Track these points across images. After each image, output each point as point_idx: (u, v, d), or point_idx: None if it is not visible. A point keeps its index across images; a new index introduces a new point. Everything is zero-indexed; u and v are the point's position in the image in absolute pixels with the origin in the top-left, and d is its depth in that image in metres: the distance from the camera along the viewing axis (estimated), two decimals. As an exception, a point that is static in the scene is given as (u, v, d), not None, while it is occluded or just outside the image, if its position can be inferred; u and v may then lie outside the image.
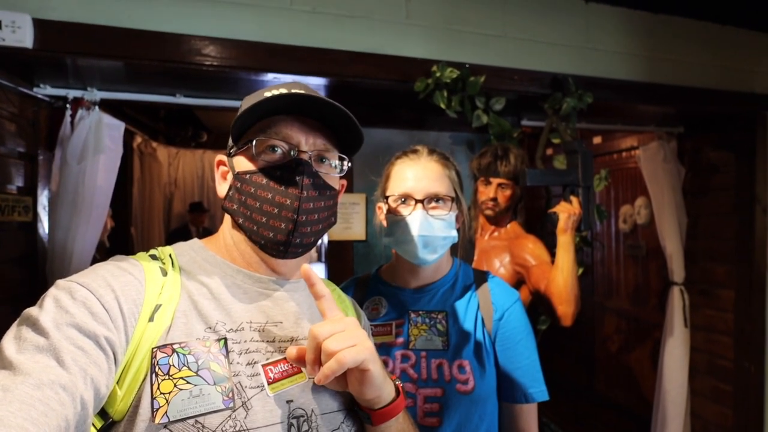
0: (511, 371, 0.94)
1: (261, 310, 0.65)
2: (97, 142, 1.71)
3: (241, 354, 0.60)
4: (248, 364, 0.60)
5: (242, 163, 0.67)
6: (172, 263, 0.63)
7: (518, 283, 1.64)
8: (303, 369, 0.63)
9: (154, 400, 0.53)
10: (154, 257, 0.64)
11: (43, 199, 1.70)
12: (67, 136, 1.70)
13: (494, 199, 1.65)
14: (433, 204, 0.92)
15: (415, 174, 0.92)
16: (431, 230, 0.90)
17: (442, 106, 1.69)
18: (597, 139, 3.16)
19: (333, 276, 1.99)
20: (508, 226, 1.72)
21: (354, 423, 0.66)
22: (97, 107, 1.73)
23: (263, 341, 0.63)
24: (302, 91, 0.66)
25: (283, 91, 0.65)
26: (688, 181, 2.46)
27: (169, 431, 0.52)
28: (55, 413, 0.44)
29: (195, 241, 0.70)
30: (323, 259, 2.51)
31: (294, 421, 0.59)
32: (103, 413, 0.54)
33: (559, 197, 1.62)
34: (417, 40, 1.73)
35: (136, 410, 0.53)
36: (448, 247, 0.96)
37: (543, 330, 1.89)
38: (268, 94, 0.65)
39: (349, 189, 1.98)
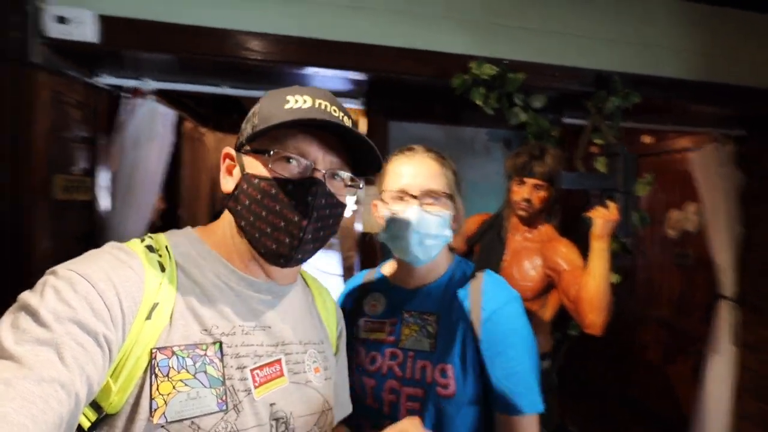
0: (500, 379, 0.86)
1: (252, 314, 0.66)
2: (150, 129, 1.84)
3: (233, 357, 0.61)
4: (238, 368, 0.61)
5: (254, 166, 0.65)
6: (169, 256, 0.63)
7: (548, 286, 1.61)
8: (284, 373, 0.65)
9: (153, 401, 0.54)
10: (150, 248, 0.62)
11: (101, 180, 1.85)
12: (123, 123, 1.83)
13: (528, 200, 1.61)
14: (429, 200, 0.90)
15: (412, 170, 0.91)
16: (426, 227, 0.89)
17: (479, 103, 1.67)
18: (647, 138, 3.00)
19: (366, 267, 2.04)
20: (542, 227, 1.69)
21: (324, 425, 0.70)
22: (151, 96, 1.85)
23: (252, 345, 0.64)
24: (326, 102, 0.66)
25: (307, 99, 0.65)
26: (747, 187, 2.29)
27: (166, 431, 0.54)
28: (53, 411, 0.44)
29: (190, 231, 0.69)
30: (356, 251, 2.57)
31: (274, 423, 0.62)
32: (96, 406, 0.54)
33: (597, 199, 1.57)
34: (455, 34, 1.71)
35: (134, 408, 0.54)
36: (442, 247, 0.94)
37: (574, 335, 1.85)
38: (290, 98, 0.65)
39: (383, 182, 2.01)
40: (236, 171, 0.67)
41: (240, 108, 3.81)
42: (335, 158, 0.67)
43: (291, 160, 0.64)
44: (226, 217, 0.69)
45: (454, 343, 0.89)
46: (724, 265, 2.26)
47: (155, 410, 0.54)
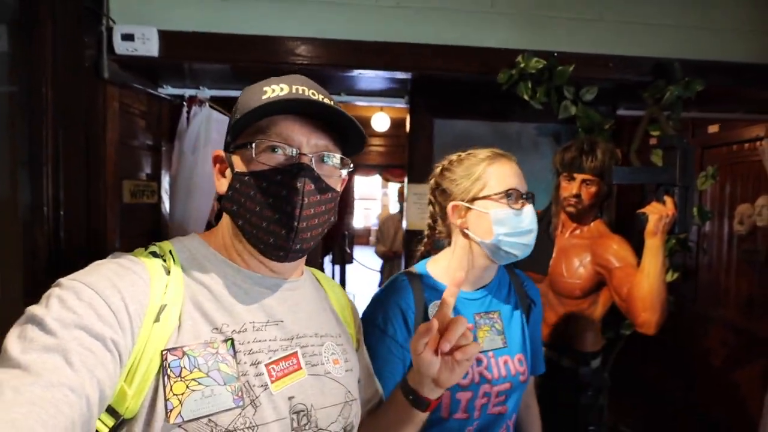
0: (534, 350, 1.06)
1: (262, 309, 0.66)
2: (207, 134, 1.95)
3: (246, 354, 0.61)
4: (253, 364, 0.61)
5: (241, 163, 0.65)
6: (174, 260, 0.63)
7: (599, 284, 1.56)
8: (302, 366, 0.66)
9: (168, 402, 0.54)
10: (155, 254, 0.63)
11: (165, 184, 1.99)
12: (183, 129, 1.96)
13: (577, 196, 1.56)
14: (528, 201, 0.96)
15: (515, 172, 0.95)
16: (536, 225, 0.95)
17: (526, 97, 1.63)
18: (713, 128, 2.79)
19: (410, 264, 2.06)
20: (592, 224, 1.63)
21: (348, 416, 0.69)
22: (207, 104, 1.97)
23: (265, 341, 0.64)
24: (303, 87, 0.64)
25: (284, 87, 0.64)
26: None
27: (184, 430, 0.54)
28: (63, 415, 0.44)
29: (194, 235, 0.69)
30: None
31: (294, 416, 0.62)
32: (112, 412, 0.54)
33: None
34: (502, 28, 1.68)
35: (150, 411, 0.54)
36: None
37: (626, 335, 1.78)
38: (267, 88, 0.64)
39: (427, 180, 2.01)
40: (228, 172, 0.67)
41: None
42: (321, 141, 0.65)
43: (276, 149, 0.63)
44: (225, 219, 0.69)
45: (518, 333, 1.00)
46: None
47: (171, 411, 0.54)
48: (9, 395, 0.43)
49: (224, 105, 2.33)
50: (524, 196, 0.94)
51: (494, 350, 0.96)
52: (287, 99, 0.61)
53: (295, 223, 0.62)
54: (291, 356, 0.65)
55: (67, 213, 1.44)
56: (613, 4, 1.68)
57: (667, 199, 1.41)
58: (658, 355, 3.13)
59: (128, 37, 1.50)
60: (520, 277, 1.10)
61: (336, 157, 0.67)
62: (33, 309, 0.51)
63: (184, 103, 1.96)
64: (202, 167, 1.97)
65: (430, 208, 1.07)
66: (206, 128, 1.97)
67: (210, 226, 2.72)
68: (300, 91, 0.63)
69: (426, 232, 1.11)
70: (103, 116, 1.57)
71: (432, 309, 0.96)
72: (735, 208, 2.69)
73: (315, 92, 0.64)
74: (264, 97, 0.62)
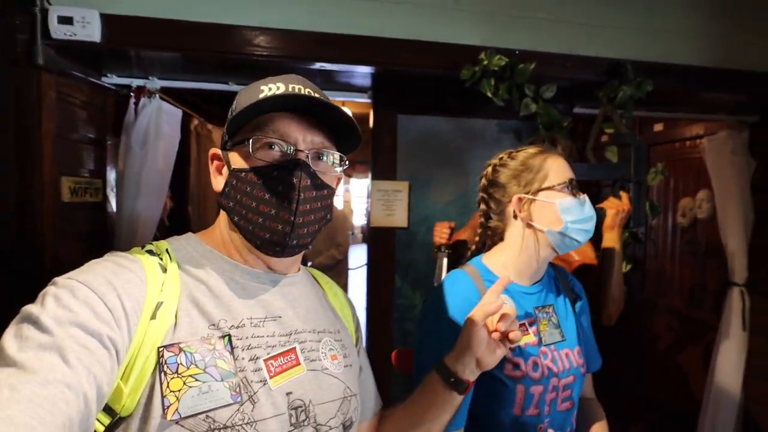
0: (588, 344, 1.08)
1: (260, 305, 0.66)
2: (157, 128, 1.83)
3: (244, 350, 0.61)
4: (251, 359, 0.61)
5: (238, 160, 0.66)
6: (170, 258, 0.63)
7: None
8: (301, 362, 0.66)
9: (165, 398, 0.54)
10: (151, 252, 0.63)
11: (110, 181, 1.85)
12: (131, 122, 1.82)
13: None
14: None
15: (568, 165, 1.00)
16: (594, 211, 0.99)
17: (489, 94, 1.65)
18: (658, 126, 2.96)
19: (375, 262, 2.04)
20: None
21: (347, 411, 0.69)
22: (157, 95, 1.84)
23: (264, 336, 0.64)
24: (299, 86, 0.66)
25: (281, 86, 0.65)
26: (759, 175, 2.26)
27: (181, 426, 0.54)
28: (60, 412, 0.44)
29: (190, 235, 0.70)
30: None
31: (293, 412, 0.62)
32: (109, 410, 0.54)
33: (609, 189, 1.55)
34: (466, 25, 1.68)
35: (147, 408, 0.54)
36: None
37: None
38: (264, 87, 0.65)
39: (392, 177, 1.99)
40: (225, 169, 0.68)
41: (244, 103, 3.80)
42: (317, 137, 0.67)
43: (273, 146, 0.64)
44: (222, 216, 0.70)
45: (572, 326, 1.03)
46: (736, 252, 2.24)
47: (168, 407, 0.54)
48: (5, 393, 0.43)
49: (176, 96, 2.19)
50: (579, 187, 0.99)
51: (555, 343, 0.98)
52: (284, 95, 0.63)
53: (292, 218, 0.63)
54: (289, 352, 0.65)
55: (-3, 212, 1.30)
56: (572, 6, 1.73)
57: (623, 194, 1.48)
58: (615, 346, 3.30)
59: (66, 20, 1.36)
60: (563, 272, 1.13)
61: (334, 155, 0.69)
62: (28, 308, 0.51)
63: (132, 93, 1.82)
64: (152, 163, 1.84)
65: (483, 205, 1.08)
66: (156, 121, 1.84)
67: (162, 225, 2.57)
68: (297, 90, 0.65)
69: (478, 231, 1.13)
70: (38, 106, 1.42)
71: None
72: (678, 202, 2.87)
73: (311, 91, 0.66)
74: (261, 95, 0.64)
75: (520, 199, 0.98)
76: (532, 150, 1.02)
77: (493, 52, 1.62)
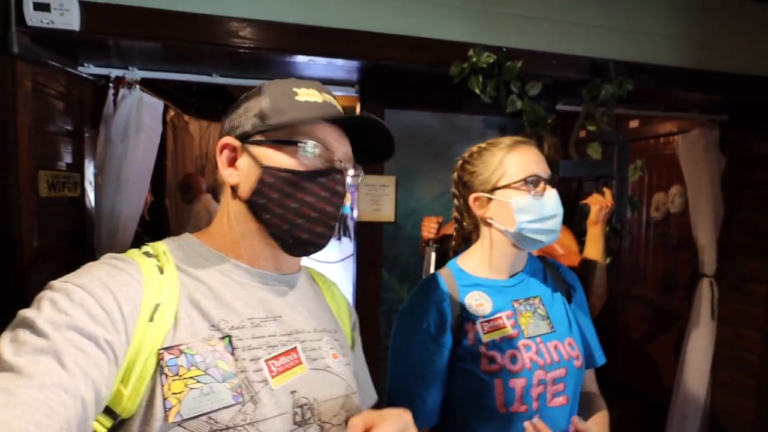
0: (588, 340, 1.04)
1: (261, 305, 0.66)
2: (138, 120, 1.77)
3: (245, 350, 0.61)
4: (252, 360, 0.61)
5: (275, 158, 0.65)
6: (168, 259, 0.63)
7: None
8: (303, 361, 0.66)
9: (166, 401, 0.54)
10: (148, 254, 0.63)
11: (89, 175, 1.78)
12: (110, 114, 1.76)
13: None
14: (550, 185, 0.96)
15: (535, 157, 0.95)
16: (561, 208, 0.94)
17: (477, 91, 1.66)
18: (634, 123, 3.05)
19: (362, 255, 2.04)
20: (538, 214, 1.71)
21: (351, 408, 0.69)
22: (137, 86, 1.78)
23: (265, 336, 0.64)
24: (330, 97, 0.70)
25: (315, 93, 0.69)
26: (728, 171, 2.37)
27: (183, 428, 0.54)
28: (57, 416, 0.44)
29: (188, 235, 0.70)
30: (350, 238, 2.56)
31: (298, 410, 0.62)
32: (110, 412, 0.54)
33: (590, 184, 1.60)
34: (453, 22, 1.69)
35: (148, 410, 0.54)
36: None
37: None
38: (298, 90, 0.68)
39: (379, 171, 2.00)
40: (245, 163, 0.66)
41: (226, 95, 3.71)
42: (347, 148, 0.71)
43: (318, 153, 0.66)
44: (229, 213, 0.68)
45: (564, 317, 0.99)
46: (706, 245, 2.35)
47: (169, 410, 0.54)
48: (2, 398, 0.43)
49: (156, 88, 2.12)
50: (547, 181, 0.93)
51: (541, 335, 0.94)
52: (325, 104, 0.68)
53: (333, 223, 0.67)
54: (291, 351, 0.65)
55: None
56: (557, 4, 1.76)
57: (606, 191, 1.53)
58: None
59: (42, 7, 1.30)
60: (554, 265, 1.09)
61: (358, 168, 0.73)
62: (24, 312, 0.51)
63: (110, 84, 1.75)
64: (133, 156, 1.78)
65: (455, 201, 1.06)
66: (137, 113, 1.78)
67: (143, 220, 2.50)
68: (329, 101, 0.69)
69: (454, 227, 1.11)
70: (13, 97, 1.35)
71: (468, 299, 0.95)
72: (652, 197, 2.98)
73: (336, 101, 0.71)
74: (299, 99, 0.67)
75: (476, 199, 0.97)
76: (501, 144, 0.97)
77: (482, 49, 1.64)
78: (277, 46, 1.59)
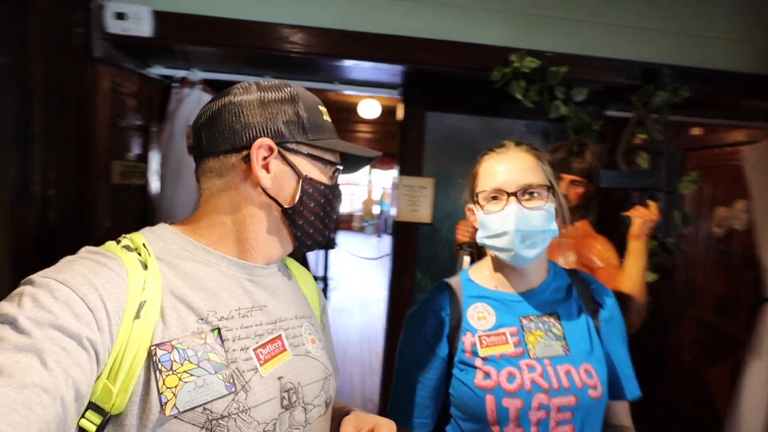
0: (618, 368, 0.94)
1: (246, 295, 0.67)
2: (197, 117, 1.93)
3: (234, 341, 0.63)
4: (242, 349, 0.63)
5: (311, 170, 0.71)
6: (148, 253, 0.62)
7: (581, 282, 1.61)
8: (287, 348, 0.69)
9: (162, 395, 0.55)
10: (128, 248, 0.62)
11: (154, 165, 1.97)
12: (173, 111, 1.94)
13: (564, 196, 1.60)
14: (527, 196, 0.87)
15: (506, 167, 0.88)
16: (528, 223, 0.85)
17: (519, 96, 1.65)
18: (695, 131, 2.86)
19: (398, 254, 2.09)
20: (577, 224, 1.67)
21: (329, 389, 0.74)
22: (199, 86, 1.94)
23: (252, 326, 0.66)
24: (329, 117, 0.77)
25: (324, 110, 0.75)
26: (802, 186, 2.16)
27: (180, 420, 0.56)
28: (36, 416, 0.44)
29: (165, 226, 0.69)
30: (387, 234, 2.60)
31: (285, 394, 0.65)
32: (98, 409, 0.54)
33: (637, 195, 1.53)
34: (495, 26, 1.69)
35: (143, 405, 0.55)
36: (548, 243, 0.89)
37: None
38: (321, 108, 0.74)
39: (418, 173, 2.03)
40: (280, 168, 0.68)
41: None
42: None
43: (336, 169, 0.75)
44: (244, 211, 0.68)
45: (585, 341, 0.89)
46: (772, 266, 2.16)
47: (166, 403, 0.55)
48: None
49: (215, 87, 2.29)
50: (513, 194, 0.86)
51: (551, 357, 0.86)
52: (363, 156, 0.77)
53: (335, 227, 0.76)
54: (276, 339, 0.68)
55: (58, 192, 1.43)
56: (606, 7, 1.70)
57: (651, 204, 1.45)
58: (634, 348, 3.24)
59: (120, 16, 1.47)
60: (585, 280, 0.99)
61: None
62: (4, 308, 0.49)
63: (174, 84, 1.93)
64: (192, 151, 1.95)
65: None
66: (197, 110, 1.94)
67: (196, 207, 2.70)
68: (330, 118, 0.77)
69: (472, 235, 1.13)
70: (93, 96, 1.54)
71: (471, 311, 0.92)
72: (713, 210, 2.77)
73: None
74: (325, 119, 0.74)
75: (468, 209, 0.97)
76: (493, 149, 0.94)
77: (524, 54, 1.62)
78: (326, 50, 1.68)
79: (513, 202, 0.86)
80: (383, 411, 2.31)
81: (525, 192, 0.87)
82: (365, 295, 6.39)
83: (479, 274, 0.98)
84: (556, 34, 1.69)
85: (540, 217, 0.86)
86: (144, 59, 1.84)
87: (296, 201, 0.69)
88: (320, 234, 0.74)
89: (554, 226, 0.88)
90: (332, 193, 0.74)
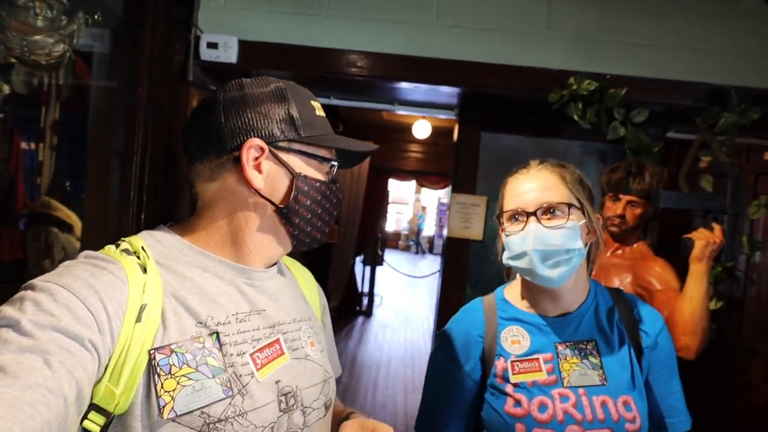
0: (664, 399, 0.89)
1: (244, 299, 0.67)
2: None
3: (232, 345, 0.63)
4: (239, 354, 0.63)
5: (305, 168, 0.69)
6: (147, 256, 0.62)
7: (638, 305, 1.58)
8: (285, 351, 0.69)
9: (160, 398, 0.56)
10: (127, 251, 0.62)
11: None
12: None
13: (622, 216, 1.59)
14: (548, 215, 0.85)
15: (527, 187, 0.87)
16: (547, 242, 0.82)
17: (576, 117, 1.68)
18: (769, 155, 2.70)
19: (448, 270, 2.14)
20: (635, 245, 1.65)
21: (328, 392, 0.73)
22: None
23: (249, 331, 0.66)
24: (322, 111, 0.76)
25: (318, 106, 0.73)
26: None
27: (177, 423, 0.56)
28: (41, 416, 0.45)
29: (164, 228, 0.69)
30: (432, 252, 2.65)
31: (283, 398, 0.65)
32: (101, 410, 0.55)
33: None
34: (555, 50, 1.74)
35: (143, 407, 0.56)
36: (577, 263, 0.85)
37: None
38: (315, 104, 0.71)
39: (471, 191, 2.09)
40: (272, 167, 0.67)
41: (336, 113, 4.14)
42: None
43: (332, 165, 0.73)
44: (237, 213, 0.67)
45: (625, 371, 0.85)
46: None
47: (164, 407, 0.56)
48: None
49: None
50: (533, 213, 0.84)
51: (586, 387, 0.83)
52: (356, 151, 0.75)
53: (333, 222, 0.76)
54: (274, 343, 0.67)
55: (149, 197, 1.63)
56: (667, 30, 1.71)
57: (715, 226, 1.43)
58: (698, 386, 3.03)
59: (213, 45, 1.68)
60: (629, 301, 0.94)
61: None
62: (6, 311, 0.50)
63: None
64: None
65: None
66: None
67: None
68: (323, 113, 0.75)
69: None
70: (183, 115, 1.75)
71: (505, 333, 0.90)
72: (789, 240, 2.59)
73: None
74: (318, 114, 0.71)
75: (502, 228, 0.92)
76: (519, 169, 0.93)
77: (583, 77, 1.66)
78: (389, 74, 1.81)
79: (532, 221, 0.84)
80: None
81: (545, 211, 0.85)
82: (409, 311, 6.40)
83: (513, 293, 0.95)
84: (617, 57, 1.72)
85: (561, 235, 0.83)
86: (224, 82, 2.05)
87: (291, 200, 0.67)
88: (319, 231, 0.73)
89: (579, 244, 0.84)
90: (329, 189, 0.72)
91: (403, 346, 4.89)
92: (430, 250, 13.54)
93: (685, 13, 1.70)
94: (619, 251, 1.66)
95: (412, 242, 13.49)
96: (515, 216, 0.87)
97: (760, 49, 1.69)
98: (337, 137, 0.73)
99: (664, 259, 1.59)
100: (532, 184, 0.87)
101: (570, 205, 0.85)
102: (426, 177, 6.84)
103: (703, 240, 1.40)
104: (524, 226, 0.85)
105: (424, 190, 12.93)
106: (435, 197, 13.58)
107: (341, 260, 5.38)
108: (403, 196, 14.03)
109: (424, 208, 14.04)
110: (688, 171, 1.84)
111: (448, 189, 2.24)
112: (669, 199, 1.45)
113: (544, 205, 0.85)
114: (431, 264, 10.65)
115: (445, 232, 2.19)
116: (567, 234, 0.83)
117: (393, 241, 12.90)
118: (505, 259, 0.89)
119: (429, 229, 14.06)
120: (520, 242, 0.85)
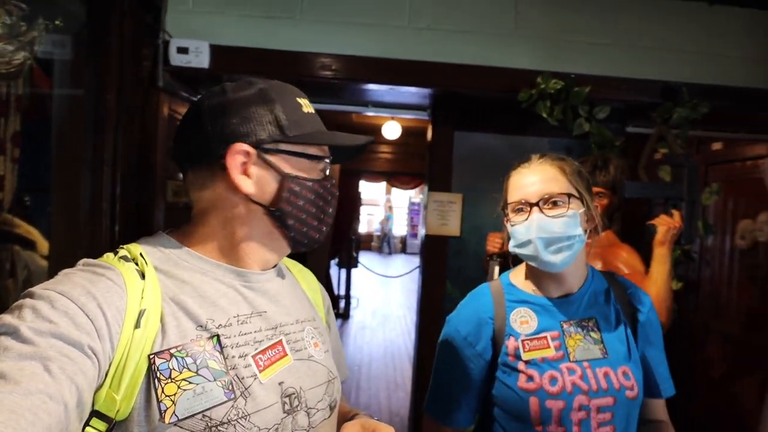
0: (654, 368, 0.98)
1: (246, 302, 0.67)
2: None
3: (233, 348, 0.62)
4: (241, 356, 0.63)
5: (295, 167, 0.68)
6: (146, 262, 0.62)
7: (609, 290, 1.67)
8: (288, 353, 0.68)
9: (161, 403, 0.55)
10: (125, 258, 0.62)
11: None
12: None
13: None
14: (549, 205, 0.91)
15: (529, 179, 0.94)
16: (550, 230, 0.89)
17: (545, 115, 1.76)
18: (717, 146, 2.91)
19: (428, 267, 2.18)
20: (602, 234, 1.74)
21: (332, 393, 0.73)
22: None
23: (251, 333, 0.65)
24: (312, 109, 0.75)
25: (306, 103, 0.72)
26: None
27: (179, 428, 0.56)
28: (42, 422, 0.45)
29: (162, 234, 0.69)
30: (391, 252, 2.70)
31: (286, 400, 0.65)
32: (103, 417, 0.55)
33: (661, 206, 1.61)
34: (523, 50, 1.82)
35: (144, 412, 0.55)
36: (578, 248, 0.92)
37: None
38: (301, 101, 0.70)
39: (447, 189, 2.14)
40: (260, 171, 0.66)
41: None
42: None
43: (324, 162, 0.72)
44: (232, 218, 0.67)
45: (622, 344, 0.94)
46: (800, 277, 2.18)
47: (165, 411, 0.55)
48: None
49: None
50: (536, 204, 0.91)
51: (590, 360, 0.91)
52: (318, 118, 0.73)
53: (331, 221, 0.75)
54: (276, 344, 0.67)
55: (122, 209, 1.57)
56: (627, 30, 1.82)
57: (675, 213, 1.54)
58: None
59: (183, 50, 1.64)
60: (623, 285, 1.03)
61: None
62: (5, 319, 0.50)
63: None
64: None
65: None
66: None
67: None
68: (312, 108, 0.74)
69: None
70: (155, 121, 1.70)
71: (514, 315, 0.96)
72: (736, 223, 2.80)
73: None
74: (305, 111, 0.70)
75: (506, 219, 0.99)
76: (519, 163, 0.99)
77: (549, 76, 1.74)
78: (361, 77, 1.83)
79: (535, 211, 0.91)
80: (414, 424, 2.34)
81: (547, 201, 0.91)
82: (387, 312, 6.44)
83: (518, 278, 1.02)
84: (581, 57, 1.81)
85: (562, 223, 0.89)
86: (196, 88, 2.01)
87: (282, 202, 0.67)
88: (316, 231, 0.72)
89: (579, 231, 0.91)
90: (322, 187, 0.71)
91: (383, 346, 4.92)
92: (403, 250, 13.64)
93: (640, 13, 1.82)
94: (588, 240, 1.75)
95: (385, 242, 13.57)
96: (519, 207, 0.93)
97: (707, 46, 1.83)
98: (326, 133, 0.72)
99: (629, 245, 1.70)
100: (534, 177, 0.93)
101: (570, 195, 0.91)
102: (397, 177, 6.91)
103: (665, 225, 1.51)
104: (528, 216, 0.91)
105: (394, 190, 13.02)
106: (406, 197, 13.69)
107: (317, 264, 5.34)
108: (375, 198, 14.09)
109: (390, 208, 14.14)
110: (646, 163, 1.97)
111: (419, 188, 2.27)
112: (633, 189, 1.55)
113: (546, 196, 0.91)
114: (404, 263, 10.76)
115: (422, 231, 2.23)
116: (568, 222, 0.90)
117: (365, 243, 12.93)
118: (511, 247, 0.95)
119: (399, 229, 14.19)
120: (524, 231, 0.91)
